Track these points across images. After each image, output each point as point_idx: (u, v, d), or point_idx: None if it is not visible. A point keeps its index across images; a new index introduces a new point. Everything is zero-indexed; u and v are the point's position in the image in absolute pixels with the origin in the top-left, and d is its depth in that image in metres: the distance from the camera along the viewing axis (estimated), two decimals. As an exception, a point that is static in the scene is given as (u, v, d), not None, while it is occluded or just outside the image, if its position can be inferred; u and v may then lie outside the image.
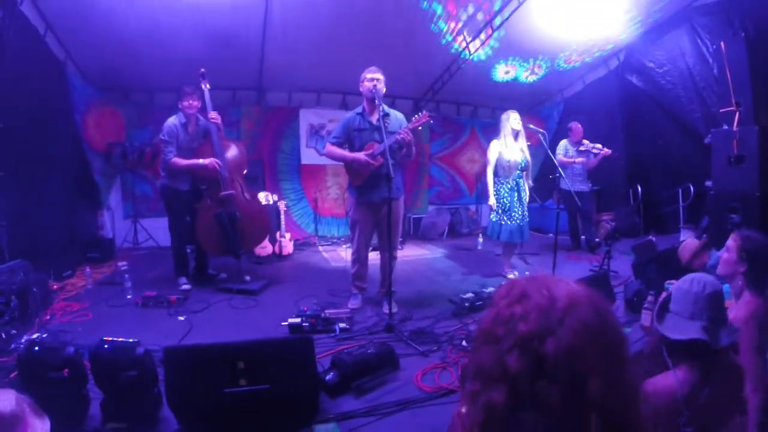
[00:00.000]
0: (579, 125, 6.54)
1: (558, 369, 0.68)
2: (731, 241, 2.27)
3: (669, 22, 6.22)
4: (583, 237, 6.73)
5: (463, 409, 0.79)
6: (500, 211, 4.99)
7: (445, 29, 6.26)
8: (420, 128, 3.94)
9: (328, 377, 2.53)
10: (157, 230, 6.51)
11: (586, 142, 6.45)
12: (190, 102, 4.58)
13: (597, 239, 6.65)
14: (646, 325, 3.32)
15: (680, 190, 6.39)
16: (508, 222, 4.97)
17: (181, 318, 3.84)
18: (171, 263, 4.84)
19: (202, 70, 4.68)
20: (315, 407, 2.28)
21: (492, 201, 5.00)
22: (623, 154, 7.24)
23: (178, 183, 4.67)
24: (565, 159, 6.34)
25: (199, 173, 4.63)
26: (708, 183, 5.34)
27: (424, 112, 3.95)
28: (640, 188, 6.88)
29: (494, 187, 5.05)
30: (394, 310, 3.81)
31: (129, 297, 4.30)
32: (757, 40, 4.74)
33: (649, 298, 3.39)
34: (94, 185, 6.27)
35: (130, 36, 5.29)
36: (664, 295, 1.93)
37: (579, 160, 6.39)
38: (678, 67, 6.20)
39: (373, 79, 3.91)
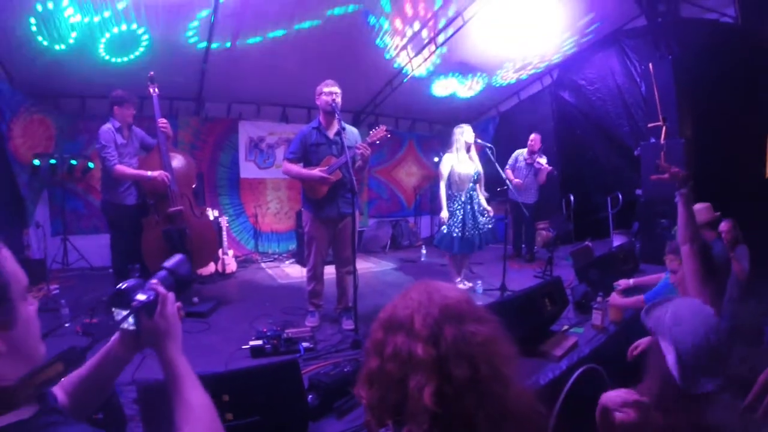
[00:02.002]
0: (538, 136, 6.61)
1: (400, 322, 0.95)
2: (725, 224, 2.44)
3: (600, 43, 6.70)
4: (522, 245, 7.01)
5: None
6: (453, 223, 5.05)
7: (389, 44, 6.36)
8: (378, 142, 3.96)
9: (307, 400, 2.46)
10: (89, 249, 6.07)
11: (539, 159, 6.61)
12: (132, 111, 4.33)
13: (532, 251, 6.91)
14: (597, 324, 3.55)
15: (609, 199, 6.85)
16: (461, 234, 5.03)
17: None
18: (109, 285, 4.48)
19: (151, 73, 4.40)
20: (303, 435, 2.21)
21: (444, 213, 5.03)
22: (557, 165, 7.65)
23: (121, 197, 4.36)
24: (509, 172, 6.49)
25: (147, 185, 4.31)
26: (638, 191, 5.80)
27: (381, 126, 3.97)
28: (572, 197, 7.31)
29: (448, 200, 5.09)
30: (354, 326, 3.77)
31: (67, 325, 3.89)
32: (681, 62, 5.20)
33: (598, 299, 3.64)
34: (20, 200, 5.70)
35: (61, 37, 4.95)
36: None
37: (516, 181, 6.44)
38: (608, 85, 6.69)
39: (331, 92, 3.87)
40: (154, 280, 1.16)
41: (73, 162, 6.24)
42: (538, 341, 3.14)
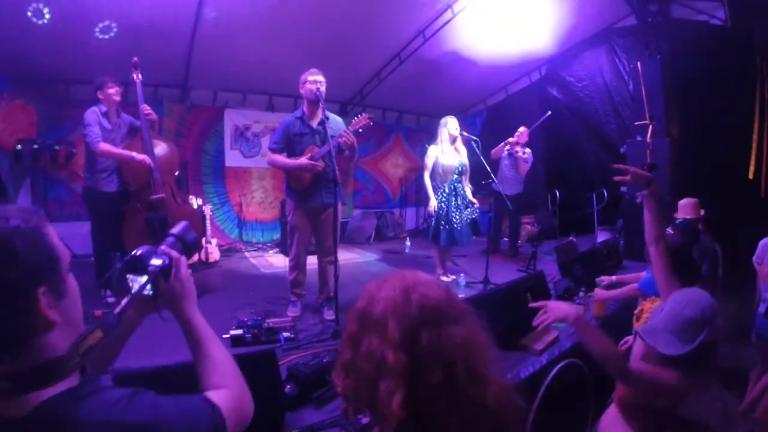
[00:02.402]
0: (526, 130, 6.51)
1: (374, 323, 0.92)
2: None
3: (589, 40, 6.75)
4: (506, 239, 7.04)
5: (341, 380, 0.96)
6: (439, 215, 5.04)
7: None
8: (360, 130, 3.94)
9: (286, 390, 2.45)
10: (72, 237, 5.90)
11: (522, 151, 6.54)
12: (117, 88, 4.24)
13: (516, 245, 6.90)
14: None
15: (594, 195, 6.91)
16: (446, 226, 5.03)
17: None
18: (91, 273, 4.42)
19: (135, 59, 4.29)
20: (281, 424, 2.20)
21: (433, 202, 5.00)
22: (543, 160, 7.71)
23: (102, 184, 4.28)
24: (496, 150, 6.35)
25: (129, 170, 4.24)
26: (623, 188, 5.86)
27: (363, 114, 3.95)
28: (558, 193, 7.36)
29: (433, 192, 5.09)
30: (335, 316, 3.77)
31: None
32: (670, 61, 5.24)
33: (581, 293, 3.67)
34: (2, 187, 5.57)
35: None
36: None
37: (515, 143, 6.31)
38: (596, 83, 6.73)
39: (316, 81, 3.84)
40: (164, 246, 1.22)
41: (57, 148, 6.11)
42: (520, 335, 3.15)
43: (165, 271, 1.16)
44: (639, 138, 5.59)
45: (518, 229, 6.98)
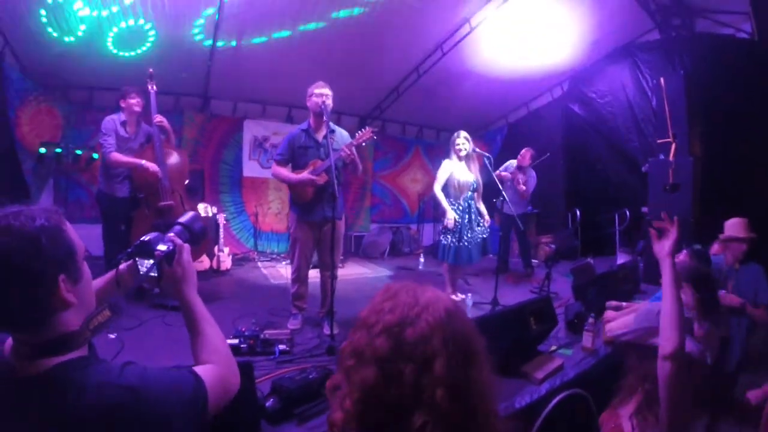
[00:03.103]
0: (529, 152, 6.51)
1: (412, 351, 0.87)
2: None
3: (612, 56, 6.60)
4: (516, 259, 6.89)
5: (337, 387, 0.94)
6: (449, 232, 4.90)
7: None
8: (364, 144, 3.90)
9: (268, 404, 2.38)
10: (90, 238, 6.05)
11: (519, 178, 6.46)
12: (138, 99, 4.37)
13: (529, 266, 6.72)
14: (588, 346, 3.40)
15: (617, 215, 6.71)
16: (457, 243, 4.91)
17: (112, 336, 3.54)
18: (101, 273, 4.49)
19: (150, 70, 4.42)
20: (255, 436, 2.15)
21: (451, 214, 4.83)
22: (563, 178, 7.55)
23: (115, 189, 4.42)
24: (501, 173, 6.29)
25: (139, 177, 4.36)
26: (644, 209, 5.66)
27: (367, 128, 3.91)
28: (578, 212, 7.18)
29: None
30: (336, 331, 3.68)
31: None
32: (694, 77, 5.06)
33: (590, 320, 3.48)
34: (25, 186, 5.76)
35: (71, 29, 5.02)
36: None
37: (521, 187, 6.32)
38: (619, 99, 6.56)
39: (322, 94, 3.82)
40: (171, 234, 1.36)
41: (78, 152, 6.26)
42: (520, 361, 3.01)
43: (169, 256, 1.30)
44: (661, 156, 5.40)
45: (528, 248, 6.82)
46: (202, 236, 1.48)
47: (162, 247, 1.31)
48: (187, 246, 1.37)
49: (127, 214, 4.48)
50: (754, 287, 3.57)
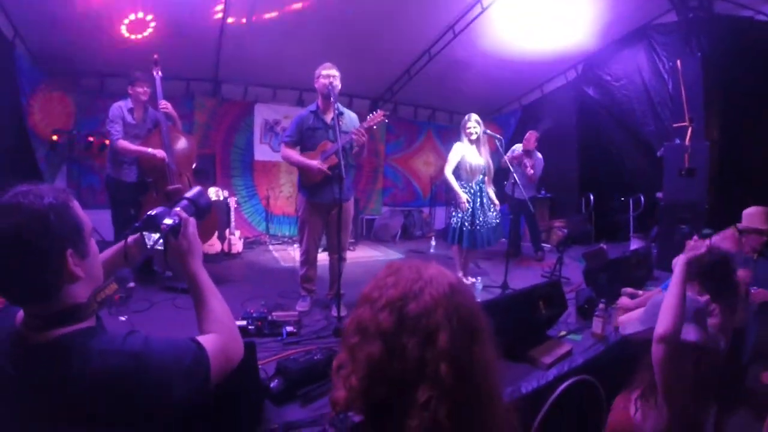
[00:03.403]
0: (534, 134, 6.48)
1: (416, 324, 0.86)
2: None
3: (627, 38, 6.45)
4: (527, 244, 6.83)
5: (342, 366, 0.93)
6: (461, 215, 4.86)
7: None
8: (375, 127, 3.87)
9: (272, 384, 2.41)
10: (102, 223, 6.12)
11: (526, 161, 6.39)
12: (145, 89, 4.41)
13: (540, 250, 6.67)
14: (598, 332, 3.36)
15: (631, 200, 6.61)
16: (470, 227, 4.86)
17: (123, 318, 3.61)
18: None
19: (155, 56, 4.44)
20: (259, 416, 2.17)
21: (464, 196, 4.77)
22: (577, 162, 7.45)
23: (123, 174, 4.47)
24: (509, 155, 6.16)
25: (146, 163, 4.41)
26: (659, 194, 5.56)
27: (378, 111, 3.88)
28: (592, 197, 7.08)
29: None
30: (343, 313, 3.70)
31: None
32: (711, 60, 4.93)
33: (600, 305, 3.43)
34: (38, 173, 5.83)
35: (81, 17, 5.02)
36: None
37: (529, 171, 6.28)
38: (634, 82, 6.43)
39: (329, 75, 3.79)
40: (177, 208, 1.41)
41: (90, 139, 6.31)
42: (528, 346, 2.99)
43: (175, 229, 1.35)
44: (677, 141, 5.28)
45: (538, 231, 6.75)
46: (207, 210, 1.51)
47: (168, 221, 1.35)
48: (192, 219, 1.41)
49: (136, 198, 4.52)
50: None
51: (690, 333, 1.77)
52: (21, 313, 1.10)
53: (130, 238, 1.44)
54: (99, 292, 1.13)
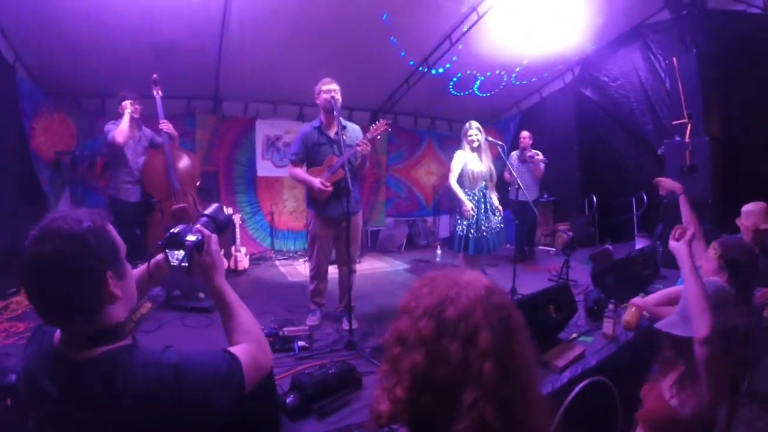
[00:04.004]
0: (525, 133, 6.67)
1: (456, 328, 0.88)
2: (711, 250, 2.29)
3: (623, 37, 6.49)
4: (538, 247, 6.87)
5: (384, 378, 0.95)
6: (466, 223, 4.87)
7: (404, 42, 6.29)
8: (379, 137, 3.90)
9: (288, 400, 2.41)
10: None
11: (534, 151, 6.57)
12: (136, 107, 4.48)
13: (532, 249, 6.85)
14: (608, 333, 3.36)
15: (634, 199, 6.61)
16: (475, 234, 4.87)
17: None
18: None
19: (154, 76, 4.50)
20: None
21: (468, 205, 4.78)
22: (578, 164, 7.46)
23: (125, 194, 4.50)
24: (507, 175, 6.30)
25: (149, 181, 4.48)
26: (662, 192, 5.55)
27: (381, 120, 3.91)
28: (595, 198, 7.08)
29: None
30: (354, 326, 3.70)
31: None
32: (706, 55, 4.95)
33: (610, 306, 3.44)
34: (42, 196, 5.84)
35: (81, 39, 5.07)
36: None
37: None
38: (631, 81, 6.46)
39: (330, 90, 3.83)
40: (198, 225, 1.45)
41: (93, 160, 6.34)
42: (541, 350, 2.99)
43: (198, 246, 1.39)
44: (677, 138, 5.29)
45: (534, 233, 6.92)
46: (226, 226, 1.55)
47: (191, 238, 1.39)
48: (214, 236, 1.45)
49: (140, 218, 4.55)
50: None
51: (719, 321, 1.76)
52: (58, 333, 1.14)
53: (154, 258, 1.48)
54: (135, 311, 1.17)
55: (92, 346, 1.08)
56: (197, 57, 5.77)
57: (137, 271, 1.46)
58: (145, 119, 4.78)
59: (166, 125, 4.50)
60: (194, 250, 1.38)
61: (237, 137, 7.48)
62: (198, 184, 4.84)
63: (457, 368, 0.86)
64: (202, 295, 4.65)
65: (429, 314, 0.91)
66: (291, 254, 7.60)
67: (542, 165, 6.46)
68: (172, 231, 1.42)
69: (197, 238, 1.40)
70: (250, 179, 7.65)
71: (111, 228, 1.16)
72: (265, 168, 7.71)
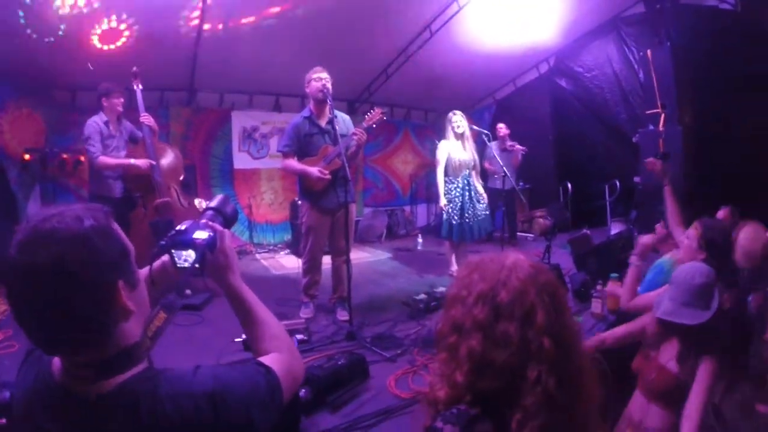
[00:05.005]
0: (502, 125, 6.83)
1: (512, 310, 0.91)
2: (692, 230, 2.38)
3: (597, 30, 6.66)
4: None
5: (441, 366, 0.98)
6: (451, 210, 4.95)
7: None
8: (374, 126, 3.91)
9: (300, 394, 2.40)
10: None
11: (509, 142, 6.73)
12: (121, 99, 4.35)
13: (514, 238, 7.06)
14: (597, 311, 3.51)
15: (606, 186, 6.80)
16: (459, 221, 4.95)
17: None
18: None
19: (134, 69, 4.35)
20: (296, 430, 2.15)
21: (443, 201, 4.92)
22: (553, 152, 7.62)
23: (107, 190, 4.35)
24: (486, 165, 6.46)
25: (131, 176, 4.32)
26: (636, 179, 5.74)
27: (376, 109, 3.90)
28: (570, 185, 7.26)
29: (445, 186, 5.01)
30: (348, 317, 3.71)
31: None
32: (680, 48, 5.11)
33: (598, 287, 3.58)
34: (11, 196, 5.57)
35: (49, 27, 4.86)
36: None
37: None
38: (605, 73, 6.63)
39: (321, 78, 3.78)
40: (205, 220, 1.24)
41: (64, 156, 6.09)
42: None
43: (211, 244, 1.17)
44: (651, 127, 5.46)
45: (515, 219, 7.16)
46: (234, 219, 1.36)
47: (202, 235, 1.17)
48: (227, 231, 1.24)
49: (123, 214, 4.36)
50: None
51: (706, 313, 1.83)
52: (57, 363, 0.92)
53: (156, 262, 1.23)
54: (149, 325, 0.96)
55: (105, 377, 0.87)
56: (174, 46, 5.60)
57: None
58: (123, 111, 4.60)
59: (147, 118, 4.35)
60: (206, 249, 1.16)
61: (212, 129, 7.32)
62: (182, 178, 4.72)
63: (518, 348, 0.89)
64: (188, 291, 4.55)
65: (483, 300, 0.94)
66: (271, 247, 7.52)
67: (520, 155, 6.57)
68: (177, 228, 1.19)
69: (209, 235, 1.18)
70: (227, 172, 7.51)
71: (116, 226, 0.94)
72: (241, 160, 7.58)
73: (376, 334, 3.48)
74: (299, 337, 3.36)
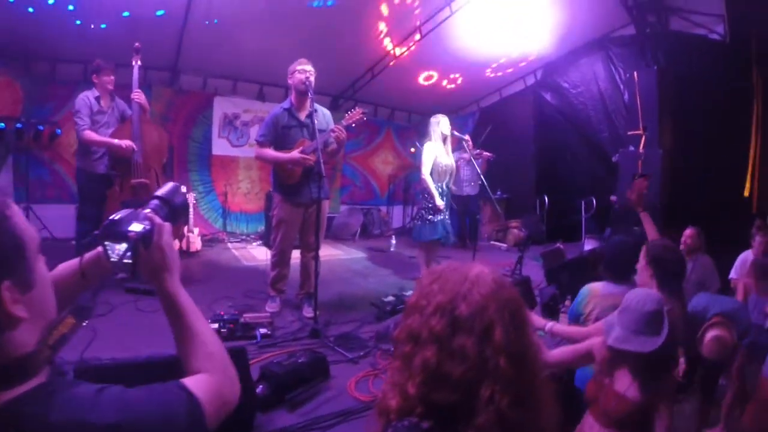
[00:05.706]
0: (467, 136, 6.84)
1: (470, 324, 0.88)
2: (642, 251, 2.45)
3: (586, 47, 6.71)
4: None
5: (395, 375, 0.94)
6: (433, 212, 4.88)
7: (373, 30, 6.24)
8: (354, 125, 3.87)
9: (257, 390, 2.37)
10: (53, 219, 5.72)
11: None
12: (111, 77, 4.31)
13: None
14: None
15: (583, 202, 6.90)
16: (434, 219, 4.90)
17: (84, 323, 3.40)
18: (69, 257, 4.28)
19: (137, 44, 4.28)
20: (251, 426, 2.12)
21: (439, 202, 4.80)
22: (533, 165, 7.70)
23: (93, 165, 4.30)
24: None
25: (113, 154, 4.25)
26: (613, 197, 5.83)
27: (357, 108, 3.87)
28: (546, 198, 7.34)
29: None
30: (314, 314, 3.68)
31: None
32: (666, 73, 5.20)
33: (566, 303, 3.59)
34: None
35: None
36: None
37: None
38: (591, 90, 6.71)
39: (305, 71, 3.73)
40: (147, 210, 1.08)
41: (40, 128, 5.92)
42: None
43: (146, 238, 1.03)
44: (631, 148, 5.55)
45: (477, 226, 7.22)
46: (183, 212, 1.22)
47: (137, 227, 1.03)
48: (167, 225, 1.09)
49: (102, 192, 4.30)
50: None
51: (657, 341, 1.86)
52: None
53: (88, 253, 1.10)
54: (51, 331, 0.82)
55: None
56: (160, 25, 5.47)
57: (64, 268, 1.11)
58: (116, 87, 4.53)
59: (138, 95, 4.27)
60: (139, 244, 1.02)
61: (193, 112, 7.22)
62: (164, 160, 4.64)
63: (474, 363, 0.87)
64: (122, 275, 4.43)
65: (441, 311, 0.91)
66: (244, 237, 7.44)
67: (485, 162, 6.75)
68: (112, 217, 1.05)
69: (144, 228, 1.04)
70: (205, 157, 7.41)
71: (13, 214, 0.78)
72: (220, 146, 7.48)
73: (341, 334, 3.46)
74: (263, 331, 3.32)
